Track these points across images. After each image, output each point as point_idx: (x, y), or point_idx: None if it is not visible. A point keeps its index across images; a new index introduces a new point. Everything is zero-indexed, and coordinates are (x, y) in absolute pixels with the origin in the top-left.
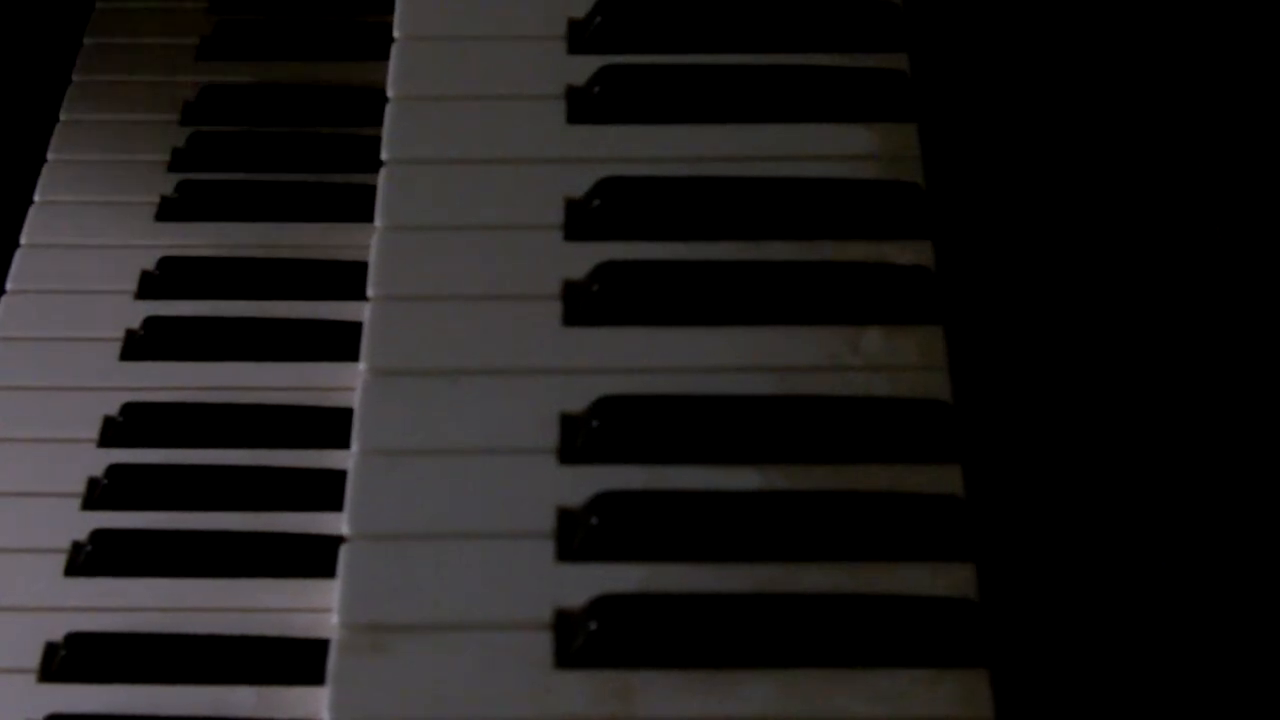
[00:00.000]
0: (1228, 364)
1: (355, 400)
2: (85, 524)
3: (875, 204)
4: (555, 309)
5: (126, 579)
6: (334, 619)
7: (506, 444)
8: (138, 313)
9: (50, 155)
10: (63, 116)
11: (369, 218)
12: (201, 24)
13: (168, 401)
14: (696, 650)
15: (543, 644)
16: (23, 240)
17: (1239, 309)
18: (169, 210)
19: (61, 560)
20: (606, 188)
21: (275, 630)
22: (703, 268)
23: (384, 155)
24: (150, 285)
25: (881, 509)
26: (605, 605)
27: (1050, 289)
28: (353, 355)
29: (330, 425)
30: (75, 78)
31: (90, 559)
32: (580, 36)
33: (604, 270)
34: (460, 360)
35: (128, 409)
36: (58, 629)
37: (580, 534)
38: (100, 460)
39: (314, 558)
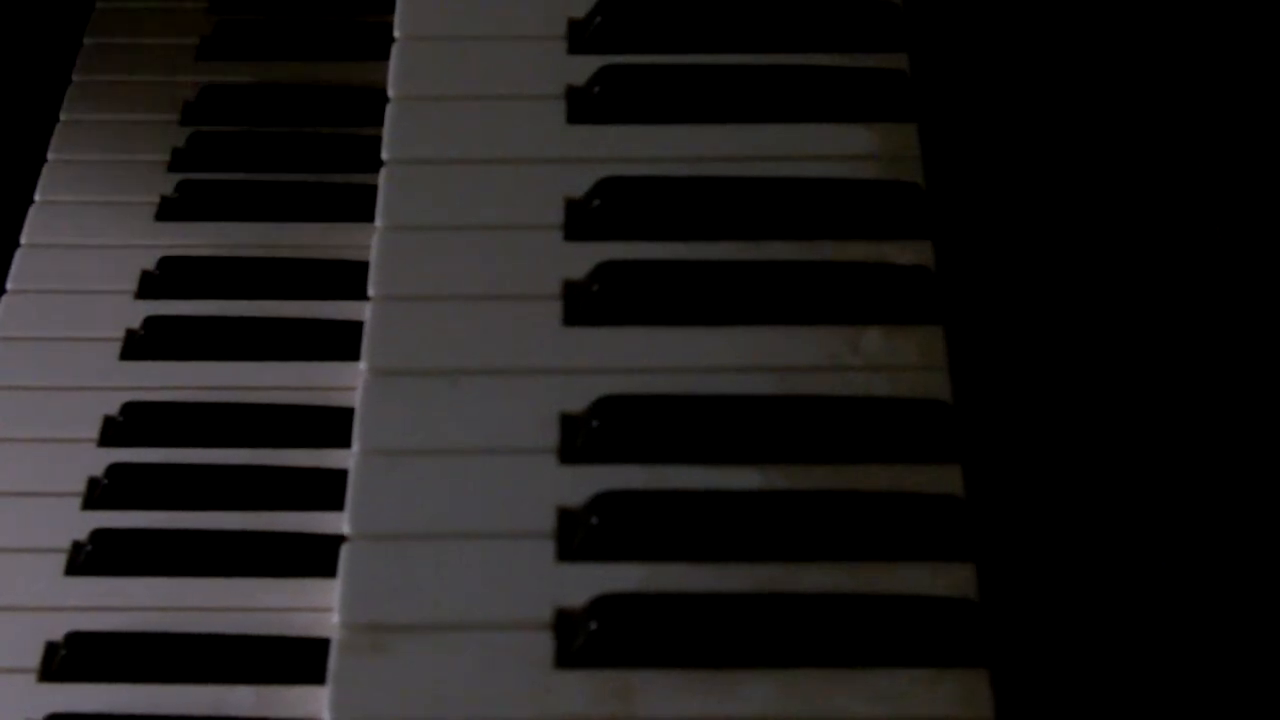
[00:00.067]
0: (1228, 364)
1: (356, 400)
2: (85, 524)
3: (875, 204)
4: (555, 309)
5: (126, 579)
6: (334, 619)
7: (506, 444)
8: (138, 313)
9: (50, 155)
10: (63, 116)
11: (369, 218)
12: (201, 24)
13: (168, 401)
14: (696, 650)
15: (543, 644)
16: (23, 240)
17: (1239, 309)
18: (169, 210)
19: (61, 560)
20: (606, 188)
21: (275, 630)
22: (703, 268)
23: (384, 155)
24: (150, 285)
25: (881, 509)
26: (605, 605)
27: (1050, 289)
28: (353, 355)
29: (330, 425)
30: (75, 78)
31: (90, 559)
32: (580, 36)
33: (604, 270)
34: (460, 360)
35: (128, 409)
36: (58, 629)
37: (580, 534)
38: (100, 460)
39: (314, 558)
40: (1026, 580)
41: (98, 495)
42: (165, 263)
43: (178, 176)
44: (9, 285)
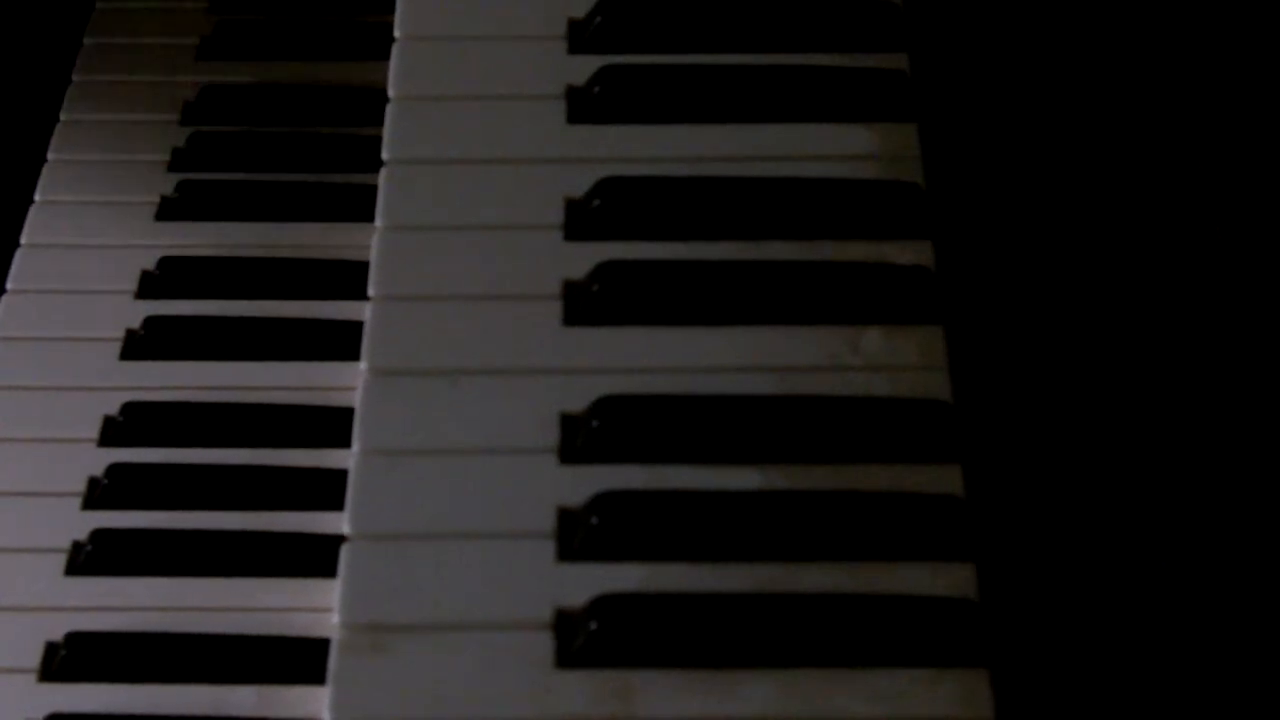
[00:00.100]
0: (1228, 364)
1: (356, 400)
2: (85, 524)
3: (875, 204)
4: (555, 309)
5: (126, 579)
6: (334, 619)
7: (507, 444)
8: (138, 313)
9: (50, 155)
10: (63, 116)
11: (369, 218)
12: (201, 24)
13: (168, 401)
14: (696, 650)
15: (543, 644)
16: (23, 240)
17: (1239, 309)
18: (169, 210)
19: (61, 560)
20: (606, 188)
21: (275, 630)
22: (703, 267)
23: (384, 155)
24: (150, 285)
25: (881, 509)
26: (605, 605)
27: (1050, 289)
28: (353, 355)
29: (330, 425)
30: (75, 78)
31: (90, 559)
32: (580, 36)
33: (604, 270)
34: (460, 360)
35: (128, 409)
36: (58, 629)
37: (580, 534)
38: (100, 460)
39: (314, 558)
40: (1026, 580)
41: (98, 495)
42: (165, 263)
43: (178, 176)
44: (9, 285)
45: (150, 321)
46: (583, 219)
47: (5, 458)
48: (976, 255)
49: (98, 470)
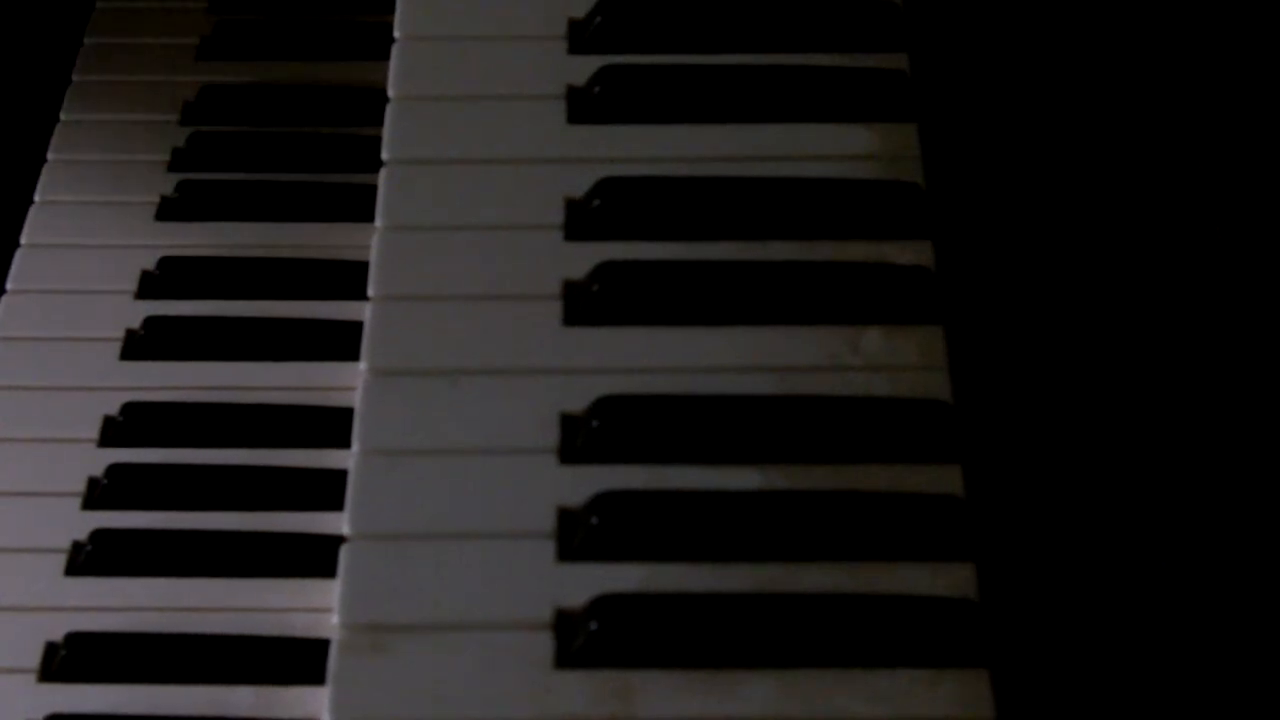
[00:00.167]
0: (1228, 364)
1: (355, 400)
2: (85, 524)
3: (875, 204)
4: (555, 309)
5: (126, 579)
6: (334, 619)
7: (506, 444)
8: (138, 313)
9: (50, 155)
10: (63, 116)
11: (369, 218)
12: (201, 24)
13: (168, 401)
14: (696, 650)
15: (543, 644)
16: (23, 240)
17: (1239, 309)
18: (169, 210)
19: (61, 560)
20: (606, 188)
21: (275, 630)
22: (703, 268)
23: (384, 155)
24: (150, 285)
25: (881, 509)
26: (605, 605)
27: (1050, 289)
28: (353, 355)
29: (330, 425)
30: (75, 78)
31: (90, 559)
32: (580, 36)
33: (604, 270)
34: (460, 360)
35: (128, 409)
36: (58, 629)
37: (580, 534)
38: (100, 460)
39: (314, 558)
40: (1026, 580)
41: (98, 495)
42: (165, 263)
43: (178, 176)
44: (9, 285)
45: (150, 321)
46: (583, 219)
47: (5, 458)
48: (976, 255)
49: (98, 470)
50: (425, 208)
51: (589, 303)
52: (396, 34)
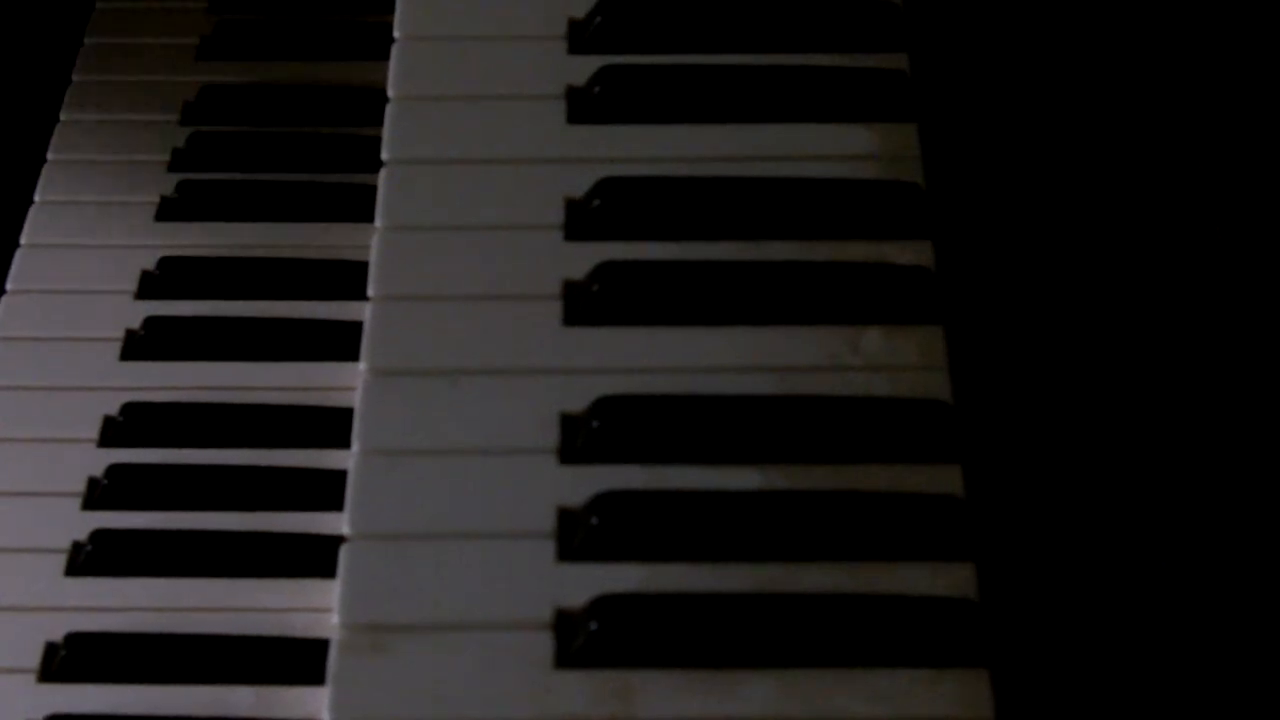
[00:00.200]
0: (1228, 364)
1: (355, 400)
2: (85, 524)
3: (875, 204)
4: (555, 309)
5: (126, 579)
6: (334, 619)
7: (506, 444)
8: (138, 313)
9: (50, 155)
10: (63, 116)
11: (369, 218)
12: (201, 24)
13: (168, 401)
14: (696, 650)
15: (543, 644)
16: (23, 240)
17: (1239, 309)
18: (169, 210)
19: (61, 560)
20: (606, 188)
21: (275, 630)
22: (703, 268)
23: (384, 155)
24: (150, 285)
25: (881, 509)
26: (605, 605)
27: (1050, 289)
28: (353, 355)
29: (330, 425)
30: (75, 78)
31: (90, 559)
32: (580, 36)
33: (604, 270)
34: (460, 360)
35: (128, 409)
36: (58, 629)
37: (580, 534)
38: (100, 460)
39: (314, 558)
40: (1026, 580)
41: (98, 495)
42: (165, 263)
43: (178, 176)
44: (9, 285)
45: (150, 321)
46: (583, 219)
47: (5, 458)
48: (976, 255)
49: (98, 470)
50: (425, 208)
51: (589, 303)
52: (396, 34)
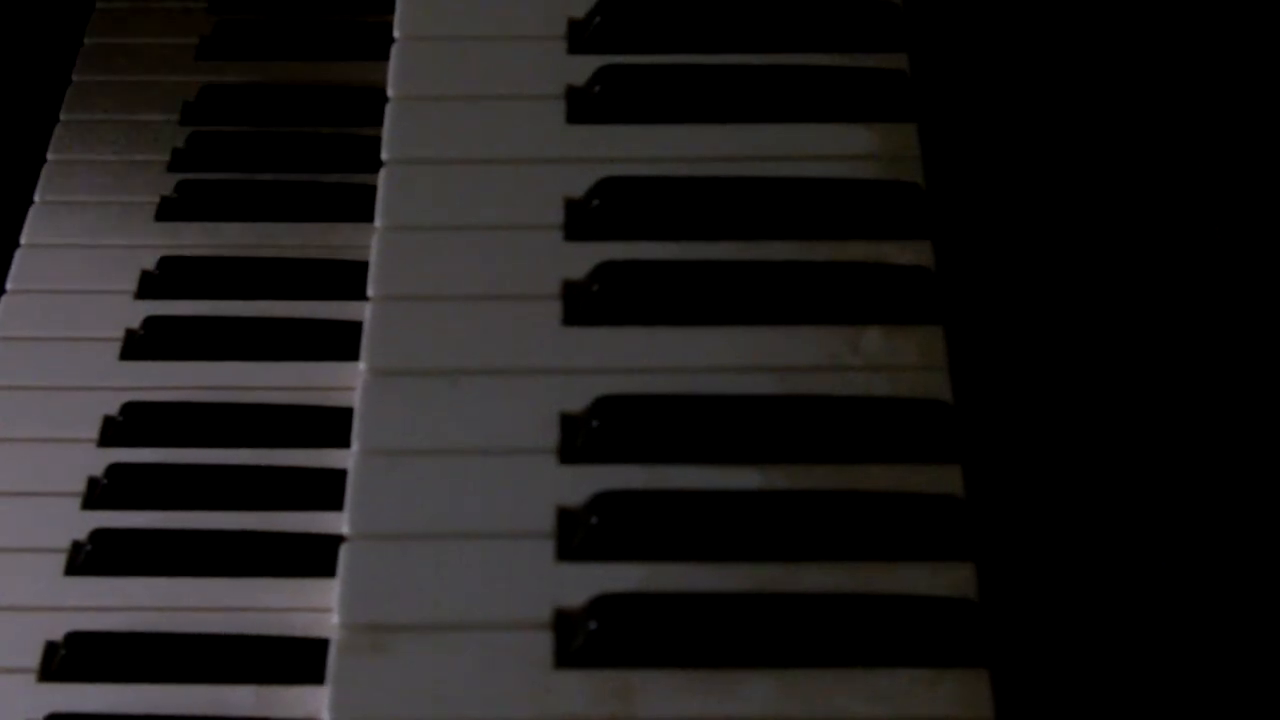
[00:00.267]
0: (1228, 364)
1: (355, 400)
2: (85, 524)
3: (875, 204)
4: (555, 309)
5: (126, 578)
6: (334, 619)
7: (506, 444)
8: (138, 313)
9: (50, 155)
10: (63, 116)
11: (369, 218)
12: (201, 24)
13: (168, 401)
14: (696, 650)
15: (543, 644)
16: (23, 240)
17: (1239, 309)
18: (169, 210)
19: (61, 560)
20: (606, 188)
21: (275, 630)
22: (702, 267)
23: (384, 155)
24: (150, 285)
25: (882, 509)
26: (605, 605)
27: (1050, 289)
28: (353, 355)
29: (330, 425)
30: (75, 78)
31: (90, 559)
32: (580, 36)
33: (604, 270)
34: (460, 360)
35: (128, 409)
36: (58, 629)
37: (580, 534)
38: (100, 460)
39: (314, 557)
40: (1026, 580)
41: (98, 495)
42: (165, 263)
43: (178, 176)
44: (9, 285)
45: (150, 321)
46: (583, 219)
47: (5, 458)
48: (976, 255)
49: (98, 470)
50: (425, 208)
51: (589, 303)
52: (396, 34)
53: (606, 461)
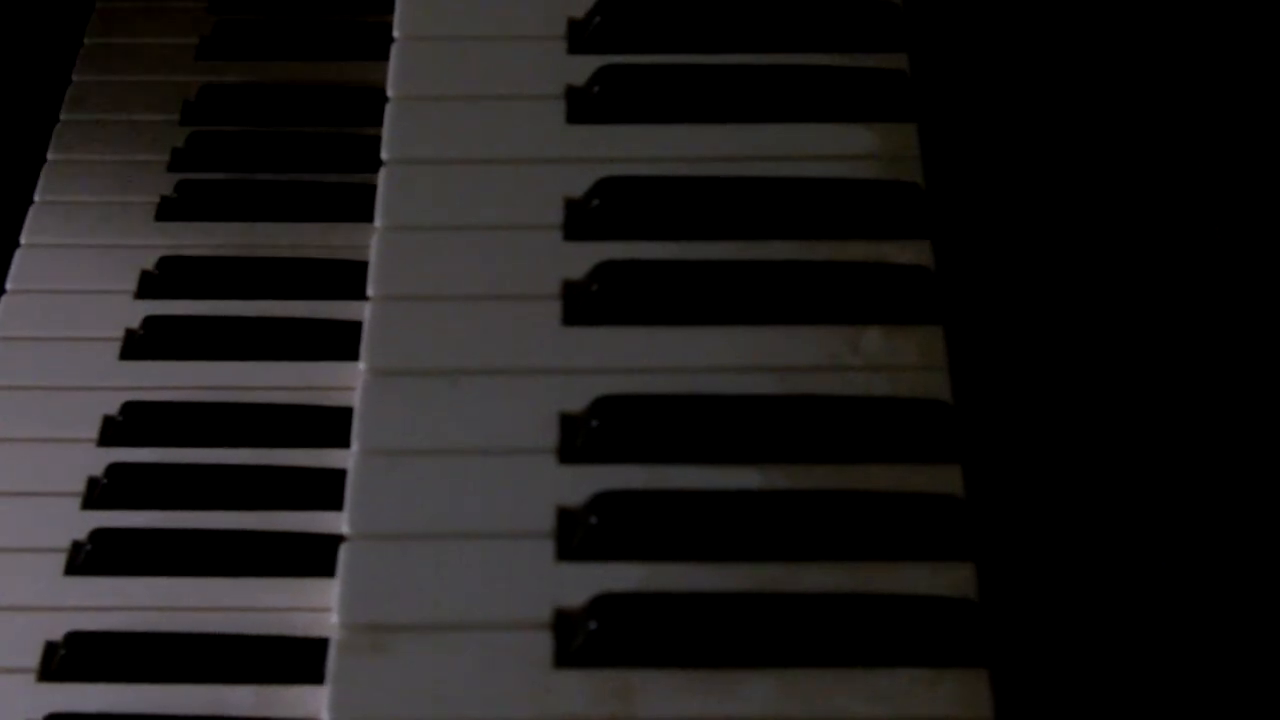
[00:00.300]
0: (1228, 364)
1: (355, 400)
2: (85, 524)
3: (875, 204)
4: (555, 309)
5: (126, 578)
6: (334, 619)
7: (506, 444)
8: (138, 312)
9: (50, 155)
10: (63, 116)
11: (369, 218)
12: (201, 24)
13: (168, 401)
14: (696, 650)
15: (543, 644)
16: (23, 240)
17: (1239, 309)
18: (169, 210)
19: (61, 560)
20: (606, 188)
21: (275, 630)
22: (702, 267)
23: (384, 155)
24: (150, 285)
25: (882, 509)
26: (605, 605)
27: (1050, 289)
28: (353, 355)
29: (330, 425)
30: (75, 78)
31: (90, 558)
32: (580, 36)
33: (604, 270)
34: (460, 360)
35: (128, 408)
36: (58, 629)
37: (580, 534)
38: (100, 460)
39: (314, 557)
40: (1026, 580)
41: (97, 495)
42: (165, 263)
43: (178, 176)
44: (9, 285)
45: (150, 321)
46: (582, 219)
47: (5, 458)
48: (976, 255)
49: (97, 470)
50: (425, 208)
51: (588, 303)
52: (396, 34)
53: (606, 461)
